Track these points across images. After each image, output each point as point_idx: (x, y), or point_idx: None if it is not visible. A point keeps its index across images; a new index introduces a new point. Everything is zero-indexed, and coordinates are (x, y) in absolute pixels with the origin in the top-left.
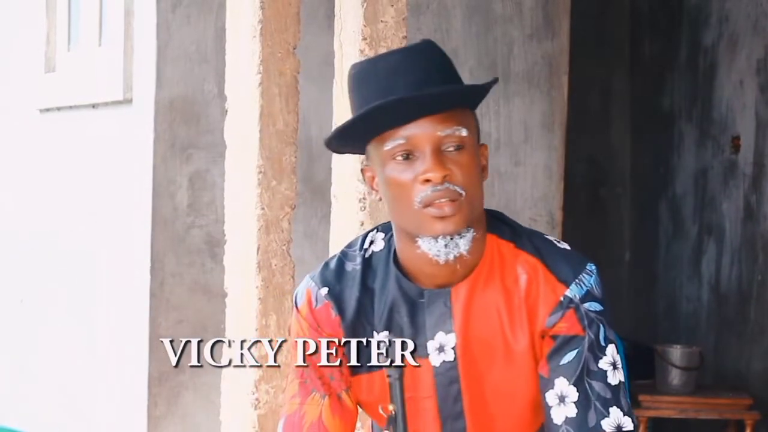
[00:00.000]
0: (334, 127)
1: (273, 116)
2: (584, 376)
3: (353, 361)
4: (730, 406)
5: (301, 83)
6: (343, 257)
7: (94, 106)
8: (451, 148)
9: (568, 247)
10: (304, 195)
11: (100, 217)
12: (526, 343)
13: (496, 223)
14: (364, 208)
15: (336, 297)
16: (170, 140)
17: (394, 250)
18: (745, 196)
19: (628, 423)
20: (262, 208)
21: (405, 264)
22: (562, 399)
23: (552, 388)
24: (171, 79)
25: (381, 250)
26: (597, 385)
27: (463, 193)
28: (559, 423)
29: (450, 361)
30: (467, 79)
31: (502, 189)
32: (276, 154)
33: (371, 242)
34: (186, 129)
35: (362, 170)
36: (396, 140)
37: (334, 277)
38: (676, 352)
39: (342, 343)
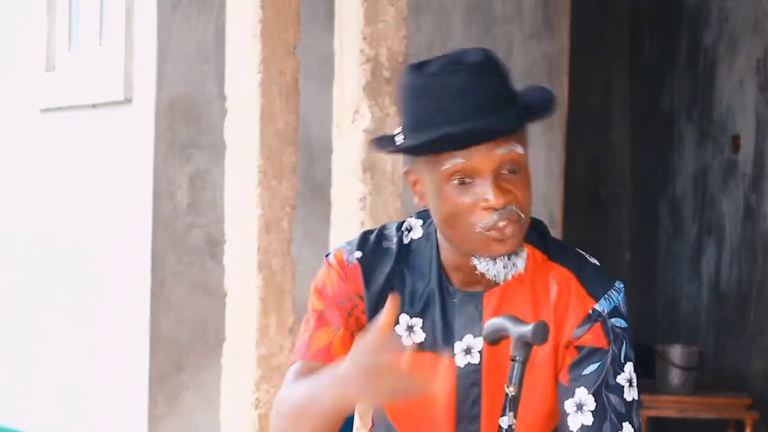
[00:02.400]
0: (334, 126)
1: (273, 116)
2: (603, 389)
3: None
4: (729, 406)
5: (301, 83)
6: (381, 235)
7: (94, 105)
8: (508, 171)
9: (598, 263)
10: (304, 195)
11: (100, 217)
12: (548, 354)
13: (533, 233)
14: (364, 208)
15: (366, 265)
16: (170, 140)
17: (437, 242)
18: (745, 196)
19: None
20: (262, 208)
21: (444, 262)
22: (580, 407)
23: (572, 396)
24: (171, 79)
25: (420, 238)
26: (614, 399)
27: (523, 213)
28: (575, 430)
29: (475, 364)
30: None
31: None
32: (276, 154)
33: (409, 228)
34: (186, 129)
35: (406, 172)
36: (454, 160)
37: (370, 248)
38: (676, 352)
39: (365, 306)
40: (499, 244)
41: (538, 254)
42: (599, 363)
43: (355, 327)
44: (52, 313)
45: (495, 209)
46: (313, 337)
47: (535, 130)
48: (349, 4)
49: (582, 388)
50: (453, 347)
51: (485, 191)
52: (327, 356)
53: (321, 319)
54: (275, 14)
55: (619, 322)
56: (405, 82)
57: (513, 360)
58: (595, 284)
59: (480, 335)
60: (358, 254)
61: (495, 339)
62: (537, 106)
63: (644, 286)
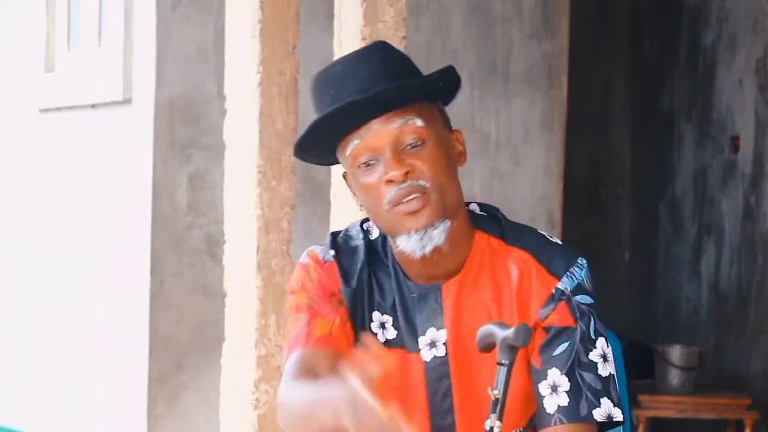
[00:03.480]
0: None
1: (272, 116)
2: (575, 367)
3: (357, 330)
4: (729, 406)
5: (301, 83)
6: (347, 236)
7: (93, 106)
8: (411, 145)
9: (560, 242)
10: (304, 195)
11: (100, 217)
12: None
13: (486, 220)
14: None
15: (342, 263)
16: (170, 140)
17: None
18: (744, 196)
19: (618, 414)
20: (262, 208)
21: (398, 259)
22: (554, 389)
23: (545, 378)
24: (171, 79)
25: (377, 238)
26: (588, 376)
27: (428, 185)
28: (552, 412)
29: (441, 357)
30: (466, 79)
31: (501, 189)
32: (276, 154)
33: (367, 230)
34: (186, 129)
35: (344, 176)
36: (352, 143)
37: (341, 247)
38: (676, 352)
39: (344, 302)
40: (411, 218)
41: (494, 241)
42: (568, 342)
43: (345, 317)
44: (51, 313)
45: (395, 182)
46: (311, 326)
47: (534, 130)
48: (349, 5)
49: (554, 369)
50: (417, 342)
51: (385, 165)
52: (330, 343)
53: (312, 310)
54: (274, 14)
55: (584, 298)
56: (311, 87)
57: (499, 364)
58: (555, 263)
59: (443, 327)
60: (333, 253)
61: (486, 345)
62: (416, 81)
63: (644, 286)
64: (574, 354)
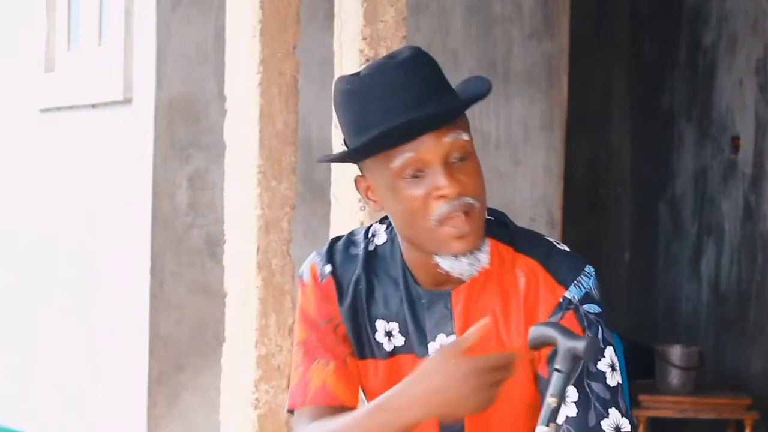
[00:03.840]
0: (334, 127)
1: (273, 116)
2: (584, 377)
3: (354, 344)
4: (729, 406)
5: (301, 83)
6: (349, 242)
7: (94, 106)
8: (457, 158)
9: (567, 249)
10: (304, 195)
11: (100, 217)
12: (521, 344)
13: (495, 226)
14: (364, 208)
15: (338, 277)
16: (170, 140)
17: (400, 246)
18: (744, 196)
19: (626, 424)
20: (262, 208)
21: (409, 264)
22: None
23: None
24: (171, 79)
25: (384, 243)
26: (596, 386)
27: (477, 204)
28: (560, 423)
29: None
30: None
31: (501, 189)
32: (276, 154)
33: (373, 234)
34: (186, 129)
35: (356, 181)
36: (404, 155)
37: (339, 258)
38: (676, 352)
39: (343, 321)
40: (460, 241)
41: (503, 247)
42: None
43: (346, 352)
44: (51, 313)
45: (448, 198)
46: (306, 378)
47: (534, 130)
48: (349, 5)
49: None
50: (427, 348)
51: (437, 180)
52: (325, 396)
53: (308, 354)
54: (275, 14)
55: (592, 307)
56: (338, 91)
57: (558, 371)
58: (563, 271)
59: (453, 333)
60: (328, 267)
61: (539, 345)
62: (473, 93)
63: (644, 286)
64: (582, 364)
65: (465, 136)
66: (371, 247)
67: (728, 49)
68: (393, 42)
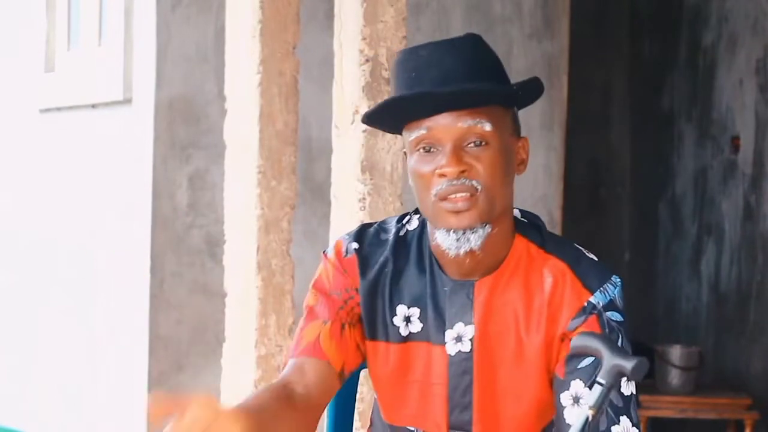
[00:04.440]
0: (334, 127)
1: (273, 116)
2: None
3: (365, 324)
4: (729, 406)
5: (301, 83)
6: (380, 227)
7: (93, 106)
8: (473, 144)
9: (596, 258)
10: (304, 195)
11: (100, 217)
12: (539, 345)
13: (528, 228)
14: (364, 208)
15: (363, 257)
16: (170, 140)
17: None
18: (744, 196)
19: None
20: (262, 208)
21: (434, 250)
22: (576, 400)
23: (567, 389)
24: (171, 79)
25: (415, 229)
26: (611, 393)
27: (480, 187)
28: (572, 423)
29: (466, 352)
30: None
31: None
32: (276, 154)
33: (408, 221)
34: (186, 129)
35: (403, 153)
36: (419, 130)
37: (367, 239)
38: (676, 352)
39: (360, 299)
40: (454, 216)
41: (533, 247)
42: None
43: (346, 319)
44: (51, 313)
45: (448, 177)
46: (302, 334)
47: (535, 130)
48: (349, 5)
49: (578, 380)
50: (444, 335)
51: (443, 158)
52: (315, 350)
53: (311, 314)
54: (274, 14)
55: (614, 315)
56: (395, 61)
57: (599, 384)
58: (590, 277)
59: (471, 323)
60: (355, 245)
61: (579, 354)
62: (521, 89)
63: (644, 286)
64: (599, 368)
65: (486, 126)
66: (402, 233)
67: (728, 49)
68: (393, 42)
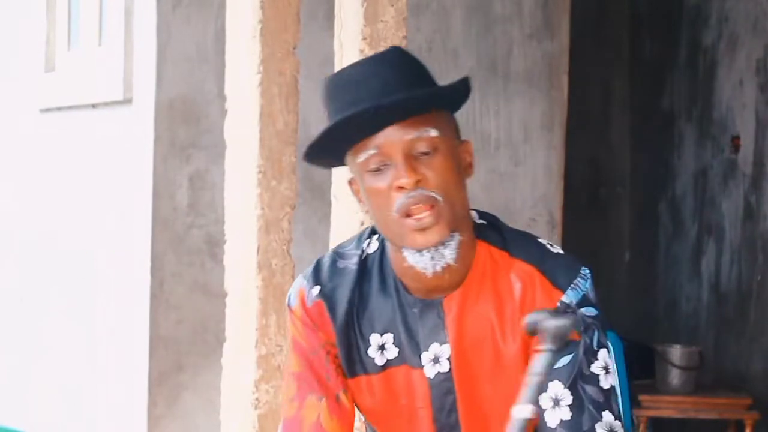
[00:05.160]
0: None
1: (273, 116)
2: (578, 380)
3: (343, 363)
4: (729, 406)
5: (301, 83)
6: (336, 255)
7: (94, 106)
8: (423, 152)
9: (561, 251)
10: (304, 195)
11: (100, 217)
12: (517, 351)
13: (487, 230)
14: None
15: (327, 296)
16: (170, 140)
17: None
18: (745, 196)
19: (618, 427)
20: (262, 208)
21: (397, 271)
22: (556, 402)
23: (546, 391)
24: (171, 79)
25: (375, 251)
26: (590, 389)
27: (440, 198)
28: (554, 426)
29: (445, 372)
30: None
31: (502, 189)
32: (276, 154)
33: (368, 242)
34: (186, 129)
35: (349, 182)
36: (367, 151)
37: (326, 276)
38: (676, 352)
39: (335, 344)
40: (421, 234)
41: (496, 252)
42: (572, 355)
43: (335, 379)
44: (52, 314)
45: (406, 189)
46: (301, 415)
47: (535, 130)
48: (349, 5)
49: (556, 381)
50: (420, 358)
51: (396, 171)
52: (318, 431)
53: (301, 389)
54: (275, 14)
55: (589, 310)
56: (321, 88)
57: (545, 351)
58: (559, 275)
59: (446, 342)
60: (316, 289)
61: (533, 332)
62: (431, 91)
63: (644, 286)
64: (576, 367)
65: (433, 132)
66: (364, 255)
67: (728, 49)
68: (393, 42)
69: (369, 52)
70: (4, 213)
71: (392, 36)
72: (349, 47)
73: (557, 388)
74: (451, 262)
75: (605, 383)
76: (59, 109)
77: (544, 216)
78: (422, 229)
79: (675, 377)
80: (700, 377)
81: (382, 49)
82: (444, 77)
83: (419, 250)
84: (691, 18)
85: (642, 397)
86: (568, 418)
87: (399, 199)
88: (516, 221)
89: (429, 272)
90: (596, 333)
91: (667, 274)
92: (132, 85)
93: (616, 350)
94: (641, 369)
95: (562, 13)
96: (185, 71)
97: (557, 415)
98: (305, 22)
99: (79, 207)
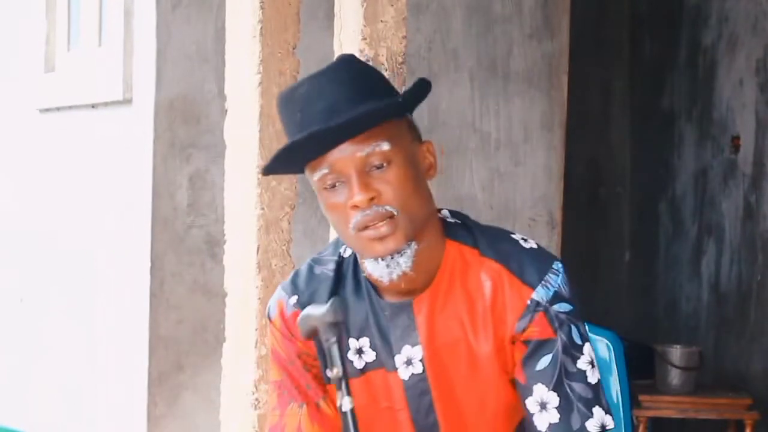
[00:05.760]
0: None
1: (273, 116)
2: (563, 379)
3: (322, 371)
4: (729, 406)
5: None
6: (313, 262)
7: (93, 106)
8: (376, 166)
9: (535, 246)
10: (304, 195)
11: (100, 217)
12: (490, 349)
13: (457, 229)
14: None
15: (304, 304)
16: (170, 140)
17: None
18: (744, 196)
19: (609, 421)
20: (262, 208)
21: (369, 277)
22: (543, 406)
23: (531, 395)
24: (171, 79)
25: (349, 256)
26: (578, 387)
27: (396, 211)
28: (544, 430)
29: (419, 374)
30: (466, 79)
31: (502, 189)
32: None
33: (344, 248)
34: (186, 129)
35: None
36: (321, 170)
37: (303, 284)
38: (676, 352)
39: (315, 353)
40: (379, 243)
41: (467, 249)
42: (551, 355)
43: (315, 387)
44: (52, 314)
45: (360, 208)
46: (282, 423)
47: (535, 130)
48: (349, 4)
49: (540, 384)
50: (394, 361)
51: (350, 191)
52: None
53: (282, 397)
54: (275, 14)
55: (562, 306)
56: (278, 103)
57: (328, 343)
58: (529, 273)
59: (418, 344)
60: (294, 299)
61: (309, 332)
62: (394, 104)
63: (644, 286)
64: (559, 366)
65: (385, 146)
66: (339, 261)
67: (728, 49)
68: (393, 42)
69: (369, 53)
70: (4, 213)
71: (392, 36)
72: (349, 47)
73: (542, 392)
74: (407, 270)
75: (593, 378)
76: (59, 109)
77: (544, 216)
78: (380, 238)
79: (675, 377)
80: (700, 377)
81: (382, 49)
82: (444, 77)
83: (376, 259)
84: (691, 18)
85: (642, 397)
86: (557, 420)
87: (355, 218)
88: (516, 221)
89: (385, 280)
90: (572, 328)
91: (667, 274)
92: (132, 85)
93: (616, 350)
94: (641, 369)
95: (562, 13)
96: (185, 71)
97: (545, 418)
98: (305, 22)
99: (79, 207)
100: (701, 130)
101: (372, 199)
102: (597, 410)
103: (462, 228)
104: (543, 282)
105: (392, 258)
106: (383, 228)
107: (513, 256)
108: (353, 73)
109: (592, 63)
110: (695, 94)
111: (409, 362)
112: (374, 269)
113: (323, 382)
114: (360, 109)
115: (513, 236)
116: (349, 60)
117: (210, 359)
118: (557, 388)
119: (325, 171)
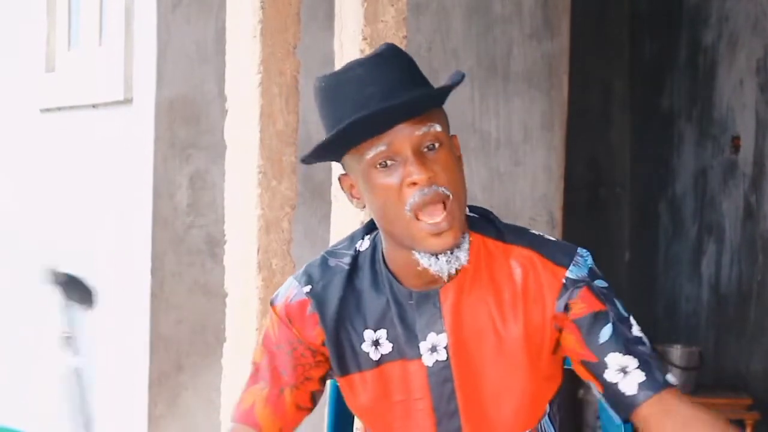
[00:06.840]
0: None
1: (273, 116)
2: (630, 345)
3: (334, 362)
4: (729, 406)
5: (301, 83)
6: (327, 255)
7: (94, 106)
8: (429, 148)
9: (557, 240)
10: (304, 195)
11: (100, 217)
12: (519, 336)
13: (481, 222)
14: (365, 207)
15: (317, 293)
16: (170, 140)
17: (381, 250)
18: (745, 196)
19: (673, 379)
20: (262, 208)
21: (392, 266)
22: (623, 370)
23: (607, 367)
24: (171, 79)
25: (367, 249)
26: (643, 349)
27: (451, 195)
28: (635, 392)
29: (443, 361)
30: (466, 79)
31: (502, 189)
32: (276, 154)
33: (360, 242)
34: (186, 129)
35: (339, 179)
36: (377, 148)
37: (317, 274)
38: (676, 352)
39: (323, 343)
40: (437, 238)
41: (490, 242)
42: (610, 324)
43: (290, 372)
44: (51, 313)
45: (419, 185)
46: (242, 396)
47: (535, 130)
48: (349, 5)
49: (613, 354)
50: (418, 348)
51: (408, 168)
52: (249, 418)
53: (254, 376)
54: (275, 14)
55: (600, 282)
56: (315, 89)
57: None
58: (559, 255)
59: (443, 331)
60: (307, 288)
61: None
62: (444, 89)
63: (644, 286)
64: (621, 333)
65: (438, 127)
66: (356, 255)
67: (728, 49)
68: (393, 42)
69: (369, 52)
70: (4, 213)
71: (392, 36)
72: (349, 47)
73: (617, 359)
74: (465, 263)
75: (649, 343)
76: (59, 109)
77: (544, 216)
78: (437, 234)
79: (675, 377)
80: (700, 377)
81: None
82: (444, 77)
83: (434, 254)
84: (691, 18)
85: None
86: (644, 378)
87: (413, 197)
88: (516, 221)
89: (444, 274)
90: (616, 301)
91: (667, 275)
92: (132, 85)
93: None
94: None
95: (562, 13)
96: (185, 71)
97: (632, 380)
98: (305, 22)
99: (79, 207)
100: (701, 130)
101: (430, 177)
102: (666, 367)
103: (484, 221)
104: (574, 262)
105: (452, 252)
106: (442, 223)
107: (540, 243)
108: (403, 61)
109: (592, 63)
110: (695, 94)
111: (434, 349)
112: (432, 264)
113: (304, 373)
114: (415, 93)
115: (534, 231)
116: (395, 48)
117: (210, 359)
118: (630, 351)
119: (383, 148)
